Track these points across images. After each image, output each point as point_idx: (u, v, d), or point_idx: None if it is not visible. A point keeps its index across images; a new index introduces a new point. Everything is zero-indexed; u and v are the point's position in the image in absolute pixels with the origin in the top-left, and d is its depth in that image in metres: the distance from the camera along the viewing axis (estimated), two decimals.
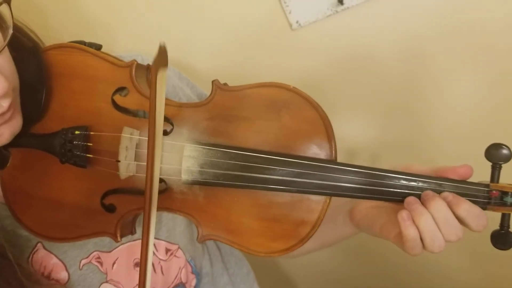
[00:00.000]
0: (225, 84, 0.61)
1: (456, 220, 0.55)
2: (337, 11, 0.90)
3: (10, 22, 0.54)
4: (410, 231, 0.55)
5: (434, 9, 0.89)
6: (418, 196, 0.56)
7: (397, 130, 1.02)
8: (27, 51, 0.61)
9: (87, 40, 0.64)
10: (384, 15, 0.91)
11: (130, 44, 0.90)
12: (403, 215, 0.55)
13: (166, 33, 0.93)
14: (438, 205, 0.54)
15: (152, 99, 0.52)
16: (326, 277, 1.26)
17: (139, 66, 0.62)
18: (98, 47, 0.64)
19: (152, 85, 0.53)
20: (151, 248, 0.56)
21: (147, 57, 0.72)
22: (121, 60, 0.63)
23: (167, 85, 0.73)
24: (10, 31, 0.55)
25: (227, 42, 0.96)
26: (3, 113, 0.53)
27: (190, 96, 0.76)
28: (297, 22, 0.91)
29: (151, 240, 0.55)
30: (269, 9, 0.91)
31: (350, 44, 0.94)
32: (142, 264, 0.55)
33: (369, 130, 1.02)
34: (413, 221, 0.55)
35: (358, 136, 1.03)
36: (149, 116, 0.53)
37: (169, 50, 0.93)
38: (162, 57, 0.53)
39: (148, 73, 0.65)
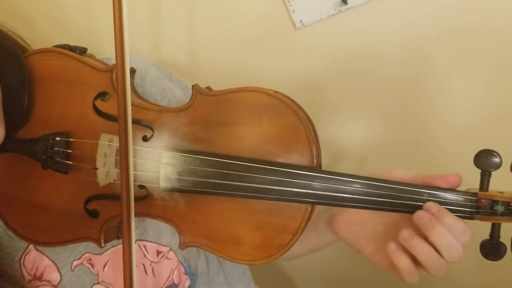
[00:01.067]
0: (208, 87, 0.60)
1: (457, 242, 0.52)
2: (341, 10, 0.88)
3: None
4: (403, 263, 0.54)
5: (438, 10, 0.87)
6: (402, 206, 0.54)
7: (400, 131, 1.00)
8: (9, 56, 0.61)
9: (73, 43, 0.64)
10: (388, 15, 0.89)
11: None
12: (391, 247, 0.54)
13: (165, 33, 0.93)
14: (439, 232, 0.52)
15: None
16: (327, 277, 1.25)
17: None
18: (83, 50, 0.64)
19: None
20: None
21: (135, 58, 0.72)
22: (104, 64, 0.62)
23: (157, 86, 0.72)
24: None
25: (229, 41, 0.94)
26: None
27: (181, 98, 0.75)
28: (300, 21, 0.90)
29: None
30: (272, 8, 0.90)
31: (354, 44, 0.92)
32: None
33: (371, 130, 1.01)
34: (406, 251, 0.53)
35: (360, 136, 1.01)
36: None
37: (168, 49, 0.92)
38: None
39: (132, 77, 0.64)
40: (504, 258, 0.94)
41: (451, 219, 0.52)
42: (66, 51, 0.62)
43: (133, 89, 0.63)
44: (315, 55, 0.93)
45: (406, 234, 0.53)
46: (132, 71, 0.64)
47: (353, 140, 1.01)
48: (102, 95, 0.60)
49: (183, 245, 0.59)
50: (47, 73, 0.61)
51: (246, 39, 0.94)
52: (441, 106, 0.95)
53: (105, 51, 0.78)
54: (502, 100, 0.92)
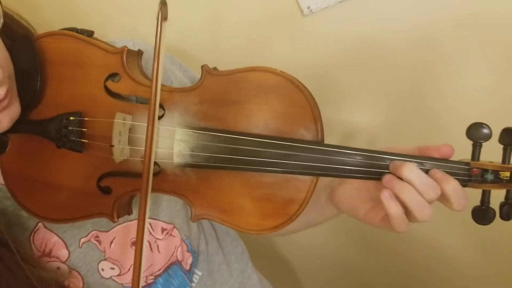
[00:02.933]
0: (214, 68, 0.63)
1: (429, 178, 0.56)
2: None
3: (0, 12, 0.56)
4: (395, 209, 0.56)
5: None
6: None
7: (407, 120, 1.01)
8: (20, 40, 0.62)
9: (79, 26, 0.66)
10: (397, 2, 0.90)
11: (123, 29, 0.90)
12: (386, 194, 0.56)
13: (171, 19, 0.93)
14: (410, 167, 0.55)
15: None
16: (325, 263, 1.28)
17: (130, 52, 0.63)
18: (90, 33, 0.65)
19: (157, 41, 0.54)
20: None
21: (139, 42, 0.74)
22: (112, 46, 0.64)
23: None
24: (1, 20, 0.56)
25: (236, 27, 0.95)
26: (1, 101, 0.55)
27: (182, 80, 0.77)
28: (308, 8, 0.90)
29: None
30: None
31: (362, 31, 0.93)
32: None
33: (378, 118, 1.02)
34: (397, 198, 0.56)
35: (366, 124, 1.03)
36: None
37: (174, 35, 0.93)
38: (164, 10, 0.54)
39: (139, 58, 0.66)
40: (508, 252, 0.96)
41: (456, 184, 0.56)
42: (75, 34, 0.63)
43: (141, 71, 0.66)
44: (323, 42, 0.94)
45: (388, 176, 0.57)
46: (140, 53, 0.66)
47: (359, 130, 1.03)
48: (112, 76, 0.62)
49: (194, 218, 0.62)
50: (58, 55, 0.63)
51: (253, 25, 0.94)
52: (449, 94, 0.95)
53: (109, 34, 0.79)
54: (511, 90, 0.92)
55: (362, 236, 1.21)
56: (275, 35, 0.95)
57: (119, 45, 0.65)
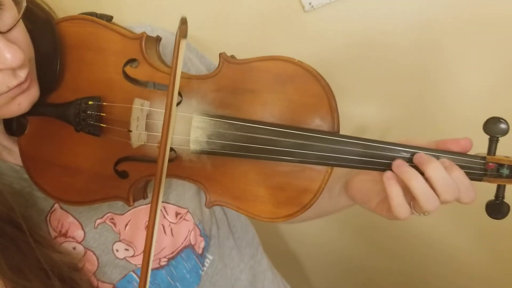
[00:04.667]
0: (232, 56, 0.63)
1: (452, 180, 0.56)
2: None
3: None
4: (394, 189, 0.57)
5: None
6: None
7: (406, 116, 1.01)
8: (41, 23, 0.63)
9: (98, 11, 0.66)
10: None
11: (139, 14, 0.90)
12: (387, 175, 0.57)
13: (176, 7, 0.93)
14: (436, 167, 0.55)
15: (173, 71, 0.55)
16: (328, 253, 1.28)
17: (149, 38, 0.63)
18: (109, 18, 0.66)
19: (174, 56, 0.55)
20: (158, 212, 0.59)
21: (156, 28, 0.74)
22: (131, 32, 0.64)
23: None
24: (24, 4, 0.56)
25: (237, 23, 0.95)
26: (21, 83, 0.56)
27: (199, 67, 0.77)
28: (310, 4, 0.90)
29: (159, 205, 0.58)
30: None
31: (363, 27, 0.92)
32: (149, 227, 0.58)
33: (378, 115, 1.02)
34: (404, 186, 0.56)
35: (366, 120, 1.03)
36: (168, 87, 0.56)
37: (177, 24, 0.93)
38: (183, 28, 0.55)
39: (157, 44, 0.66)
40: (508, 240, 0.95)
41: (460, 173, 0.56)
42: (95, 19, 0.64)
43: (159, 57, 0.66)
44: (324, 38, 0.94)
45: (399, 161, 0.57)
46: (158, 39, 0.66)
47: (360, 123, 1.03)
48: (131, 61, 0.63)
49: (209, 204, 0.63)
50: (77, 40, 0.63)
51: (254, 21, 0.94)
52: (449, 93, 0.95)
53: (126, 20, 0.79)
54: None
55: (368, 234, 1.21)
56: (277, 31, 0.94)
57: (137, 30, 0.65)
